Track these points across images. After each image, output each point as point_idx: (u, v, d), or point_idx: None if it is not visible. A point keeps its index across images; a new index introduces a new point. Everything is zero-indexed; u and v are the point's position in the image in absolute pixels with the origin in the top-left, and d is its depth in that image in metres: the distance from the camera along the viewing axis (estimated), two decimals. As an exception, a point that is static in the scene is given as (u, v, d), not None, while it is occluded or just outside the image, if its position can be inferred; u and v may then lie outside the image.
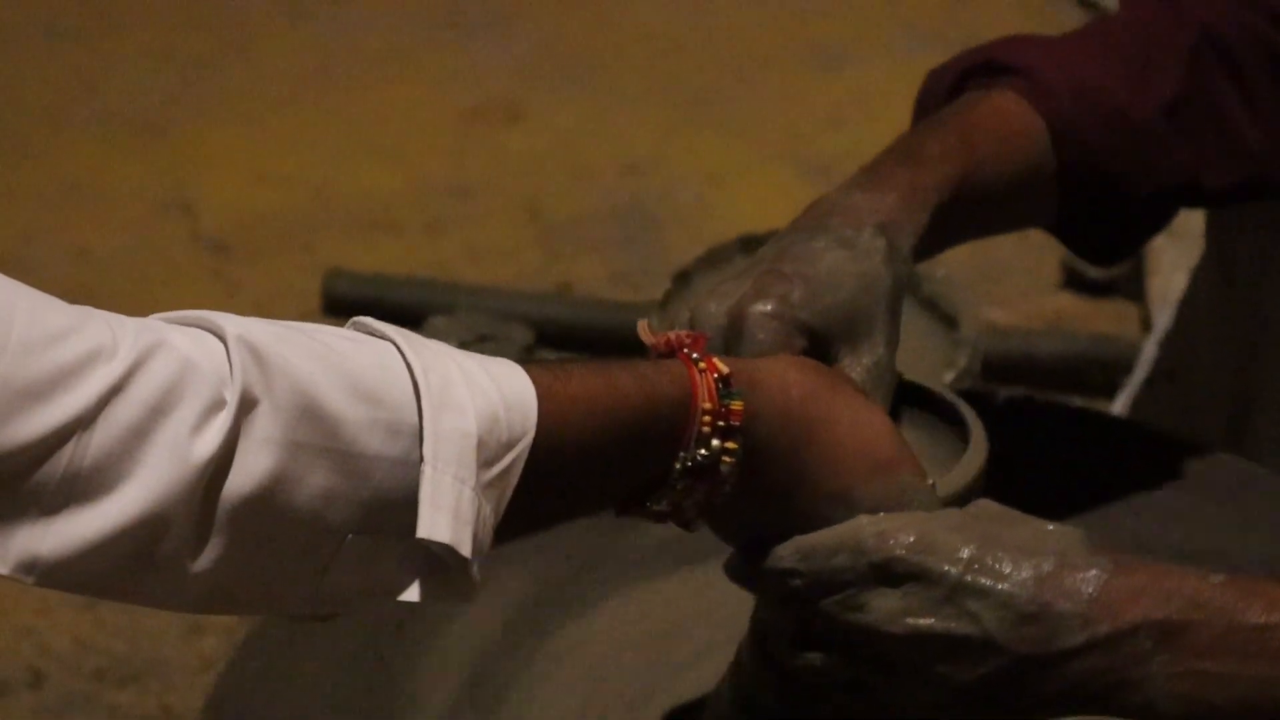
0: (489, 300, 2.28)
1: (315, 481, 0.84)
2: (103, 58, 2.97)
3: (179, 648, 1.93)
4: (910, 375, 1.09)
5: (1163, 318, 1.82)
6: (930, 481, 0.98)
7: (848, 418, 0.97)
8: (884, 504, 0.96)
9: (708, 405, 0.92)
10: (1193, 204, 1.25)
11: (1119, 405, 1.77)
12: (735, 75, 2.93)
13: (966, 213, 1.14)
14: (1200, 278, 1.67)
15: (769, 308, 1.04)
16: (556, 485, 0.91)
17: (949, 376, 1.67)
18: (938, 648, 0.93)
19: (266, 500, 0.84)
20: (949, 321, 1.80)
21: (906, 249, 1.09)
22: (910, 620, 0.93)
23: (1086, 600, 0.92)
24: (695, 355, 0.94)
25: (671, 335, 0.96)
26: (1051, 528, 0.96)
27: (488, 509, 0.87)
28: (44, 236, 2.53)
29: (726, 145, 2.74)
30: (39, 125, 2.81)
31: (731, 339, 1.04)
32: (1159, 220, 1.24)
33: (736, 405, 0.93)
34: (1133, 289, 2.35)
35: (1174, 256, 2.21)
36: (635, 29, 3.06)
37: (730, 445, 0.93)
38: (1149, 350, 1.77)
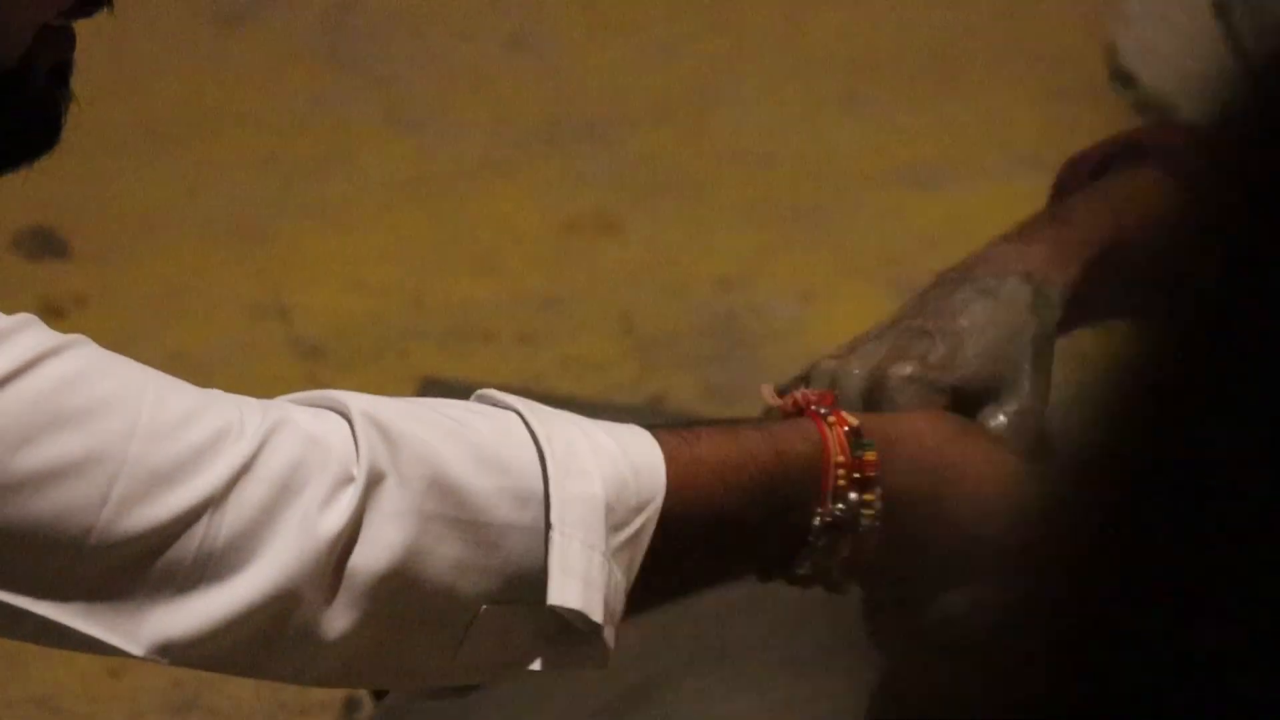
0: (582, 414, 2.28)
1: (446, 553, 0.85)
2: (203, 162, 3.01)
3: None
4: None
5: None
6: None
7: (982, 460, 0.96)
8: None
9: (840, 458, 0.92)
10: None
11: None
12: (831, 192, 2.93)
13: (1113, 281, 1.12)
14: None
15: (908, 370, 1.03)
16: (691, 548, 0.91)
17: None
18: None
19: (399, 573, 0.84)
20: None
21: (1055, 297, 1.08)
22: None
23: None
24: (823, 410, 0.94)
25: (798, 395, 0.97)
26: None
27: (619, 574, 0.87)
28: (142, 340, 2.55)
29: (821, 262, 2.74)
30: (139, 229, 2.84)
31: (872, 402, 1.03)
32: None
33: (870, 456, 0.92)
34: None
35: None
36: (731, 143, 3.07)
37: (868, 497, 0.92)
38: None
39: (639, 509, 0.87)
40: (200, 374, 2.58)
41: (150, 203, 2.90)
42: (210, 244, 2.80)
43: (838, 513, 0.91)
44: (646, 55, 3.39)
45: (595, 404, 2.35)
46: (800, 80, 3.31)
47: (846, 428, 0.93)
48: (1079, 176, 1.20)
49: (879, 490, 0.92)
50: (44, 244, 2.84)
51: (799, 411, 0.95)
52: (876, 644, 0.98)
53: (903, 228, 2.81)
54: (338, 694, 1.88)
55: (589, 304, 2.66)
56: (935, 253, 2.90)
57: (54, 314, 2.64)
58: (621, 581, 0.87)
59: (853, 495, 0.92)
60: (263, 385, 2.67)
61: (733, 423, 0.94)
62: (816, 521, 0.91)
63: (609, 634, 0.86)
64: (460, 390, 2.38)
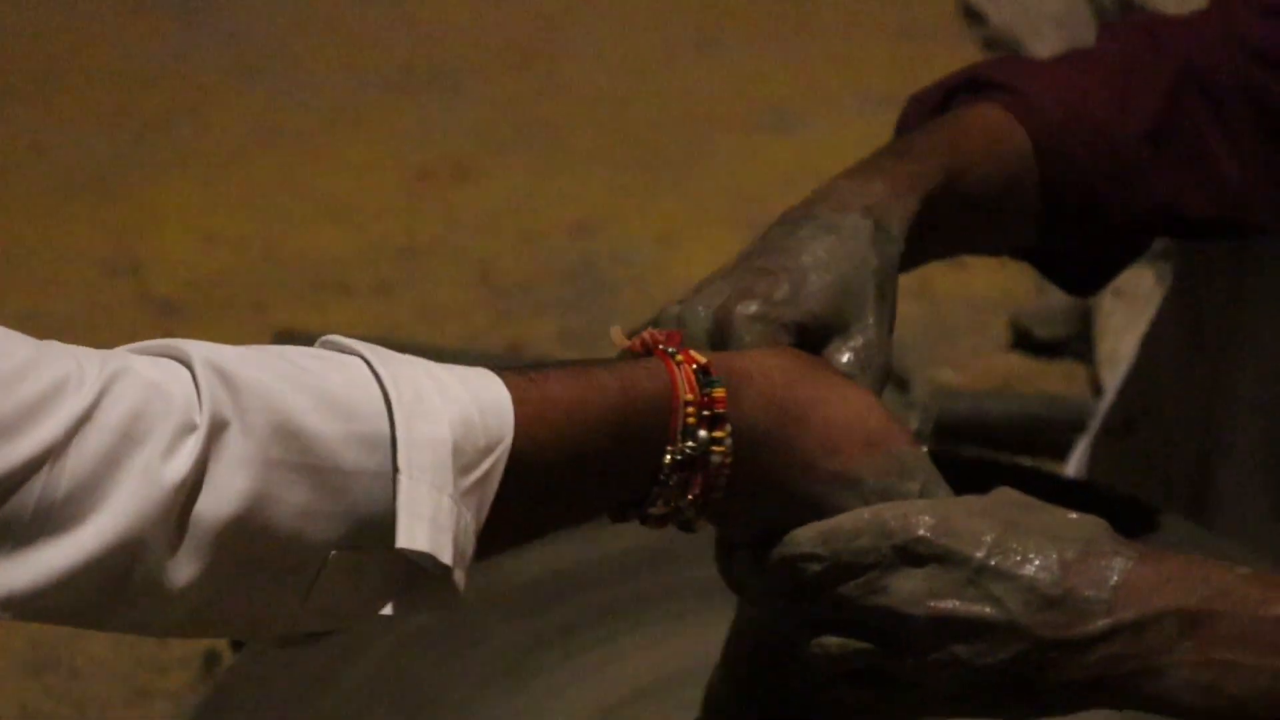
0: (439, 361, 2.27)
1: (293, 499, 0.84)
2: (50, 117, 2.97)
3: (124, 713, 1.92)
4: None
5: (1115, 371, 1.82)
6: (924, 448, 0.98)
7: (834, 396, 0.96)
8: (884, 477, 0.96)
9: (689, 396, 0.92)
10: (1169, 233, 1.26)
11: (1074, 460, 1.77)
12: (686, 136, 2.94)
13: (953, 214, 1.13)
14: (1163, 328, 1.67)
15: (753, 309, 1.03)
16: (541, 489, 0.90)
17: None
18: (960, 630, 0.93)
19: (244, 520, 0.84)
20: (900, 384, 1.81)
21: (895, 230, 1.08)
22: (933, 603, 0.93)
23: (1111, 586, 0.92)
24: (671, 350, 0.94)
25: (645, 335, 0.96)
26: (1074, 516, 0.96)
27: (468, 516, 0.86)
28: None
29: (677, 206, 2.75)
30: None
31: (718, 342, 1.03)
32: (1136, 247, 1.24)
33: (719, 392, 0.92)
34: (1081, 349, 2.36)
35: (1123, 317, 2.22)
36: (587, 89, 3.07)
37: (718, 434, 0.92)
38: (1106, 402, 1.77)
39: (487, 450, 0.87)
40: (52, 334, 2.55)
41: (-3, 160, 2.86)
42: (59, 200, 2.77)
43: (688, 450, 0.91)
44: (500, 1, 3.38)
45: (453, 352, 2.34)
46: (655, 24, 3.31)
47: (695, 366, 0.93)
48: (922, 113, 1.21)
49: (729, 426, 0.92)
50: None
51: (648, 352, 0.95)
52: (730, 583, 0.98)
53: (759, 169, 2.82)
54: (197, 648, 1.87)
55: (445, 253, 2.65)
56: (791, 193, 2.89)
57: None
58: (471, 523, 0.86)
59: (702, 433, 0.91)
60: (116, 343, 2.64)
61: (582, 363, 0.93)
62: (667, 459, 0.91)
63: (459, 576, 0.86)
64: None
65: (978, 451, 2.09)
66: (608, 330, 1.01)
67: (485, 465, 0.87)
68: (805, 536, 0.94)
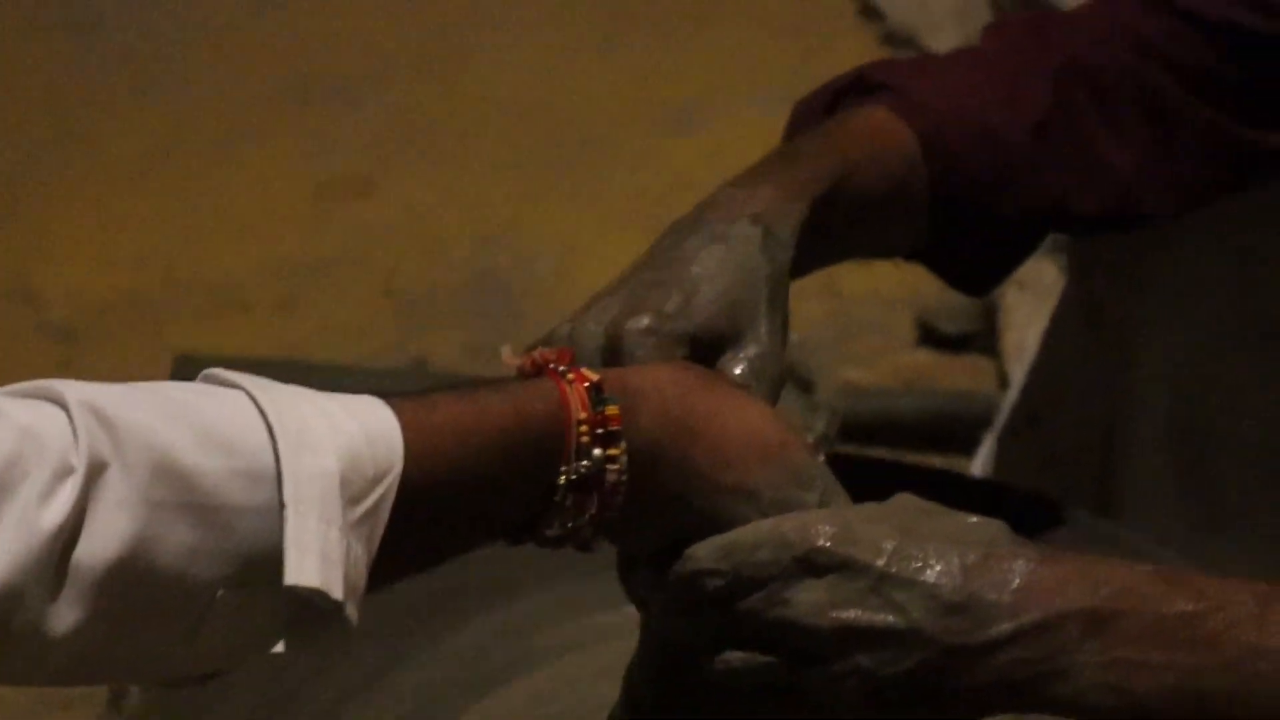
0: (342, 380, 2.26)
1: (177, 539, 0.82)
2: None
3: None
4: None
5: (1022, 365, 1.82)
6: (821, 458, 0.97)
7: (728, 409, 0.95)
8: (782, 488, 0.95)
9: (582, 415, 0.91)
10: (1060, 228, 1.25)
11: (981, 457, 1.78)
12: (586, 140, 2.93)
13: (843, 217, 1.12)
14: (1063, 320, 1.67)
15: (644, 323, 1.02)
16: (433, 516, 0.89)
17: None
18: (864, 639, 0.92)
19: (127, 563, 0.82)
20: (805, 386, 1.80)
21: (786, 236, 1.07)
22: (836, 613, 0.92)
23: (1013, 590, 0.91)
24: (562, 369, 0.92)
25: (536, 354, 0.95)
26: (975, 520, 0.95)
27: (359, 549, 0.85)
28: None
29: (580, 213, 2.74)
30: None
31: (610, 359, 1.02)
32: (1027, 244, 1.24)
33: (612, 410, 0.91)
34: (987, 344, 2.37)
35: (1027, 310, 2.22)
36: (487, 94, 3.06)
37: (613, 452, 0.91)
38: (1011, 397, 1.78)
39: (376, 480, 0.85)
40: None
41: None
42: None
43: (582, 469, 0.90)
44: (397, 6, 3.36)
45: (356, 370, 2.32)
46: (556, 26, 3.30)
47: (587, 384, 0.91)
48: (810, 116, 1.20)
49: (623, 444, 0.90)
50: None
51: (539, 372, 0.93)
52: (632, 599, 0.98)
53: (661, 171, 2.82)
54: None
55: (347, 268, 2.63)
56: (694, 195, 2.90)
57: None
58: (362, 555, 0.85)
59: (597, 451, 0.90)
60: (14, 372, 2.61)
61: (472, 386, 0.91)
62: (562, 479, 0.90)
63: (351, 610, 0.85)
64: (219, 365, 2.36)
65: (885, 452, 2.09)
66: (511, 341, 1.00)
67: (374, 496, 0.86)
68: (705, 551, 0.93)
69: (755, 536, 0.93)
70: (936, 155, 1.16)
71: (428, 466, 0.87)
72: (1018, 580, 0.92)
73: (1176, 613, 0.91)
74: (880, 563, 0.92)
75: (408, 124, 2.97)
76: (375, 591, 0.88)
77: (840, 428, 1.71)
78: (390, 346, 2.47)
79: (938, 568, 0.92)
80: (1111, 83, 1.22)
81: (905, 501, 0.97)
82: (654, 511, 0.94)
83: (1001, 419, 1.76)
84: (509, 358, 0.97)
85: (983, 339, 2.38)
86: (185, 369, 2.37)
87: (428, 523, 0.88)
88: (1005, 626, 0.91)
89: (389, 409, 0.87)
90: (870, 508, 0.96)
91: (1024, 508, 1.25)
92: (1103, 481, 1.61)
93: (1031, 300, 2.19)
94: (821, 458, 0.97)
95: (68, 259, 2.65)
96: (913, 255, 1.22)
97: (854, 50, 2.83)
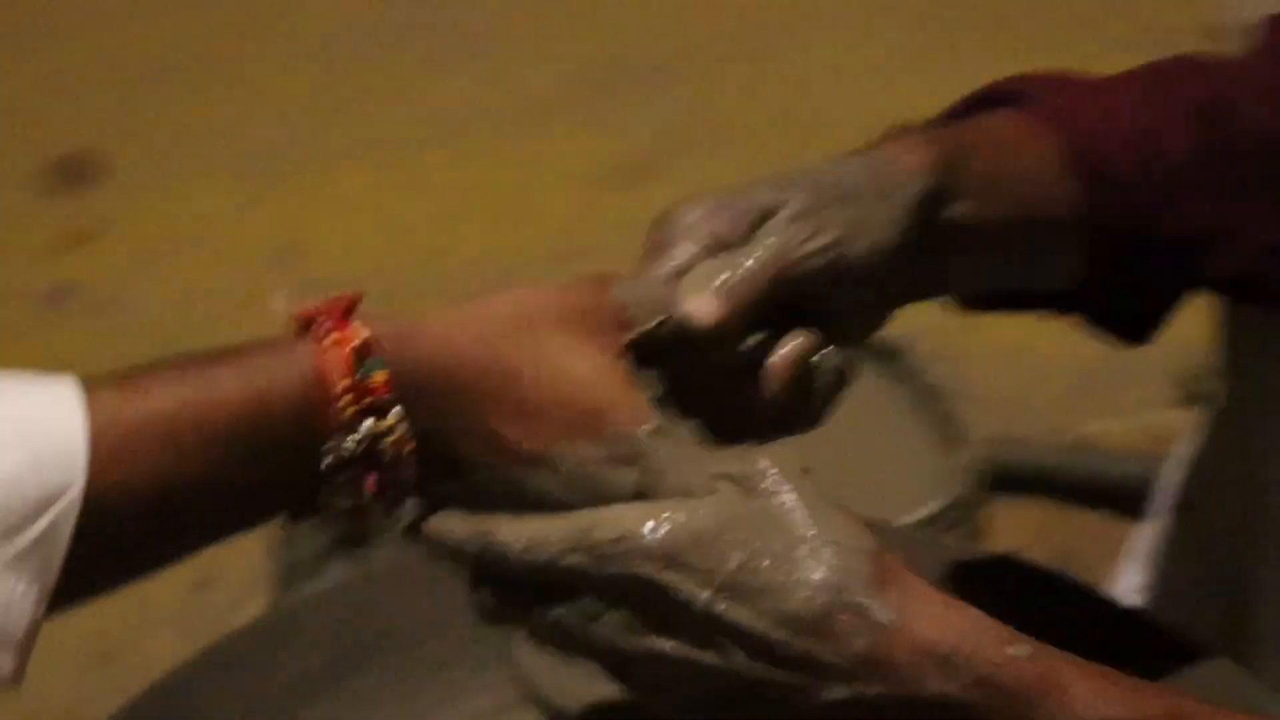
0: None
1: None
2: (228, 103, 3.00)
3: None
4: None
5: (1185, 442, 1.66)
6: (652, 425, 0.83)
7: (544, 363, 0.83)
8: (588, 464, 0.82)
9: (345, 383, 0.78)
10: (1191, 282, 1.10)
11: (1141, 538, 1.63)
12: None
13: (979, 209, 0.99)
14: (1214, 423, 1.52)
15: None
16: (145, 528, 0.77)
17: (924, 511, 1.56)
18: (681, 669, 0.82)
19: None
20: (951, 440, 1.67)
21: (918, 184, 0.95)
22: (650, 641, 0.82)
23: (854, 657, 0.80)
24: (329, 324, 0.79)
25: (308, 307, 0.81)
26: (838, 539, 0.82)
27: (21, 585, 0.75)
28: (152, 277, 2.54)
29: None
30: (161, 171, 2.84)
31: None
32: (1179, 283, 1.09)
33: (380, 376, 0.79)
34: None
35: None
36: (781, 102, 3.02)
37: (388, 423, 0.79)
38: (1168, 477, 1.62)
39: (45, 505, 0.74)
40: (206, 316, 2.57)
41: (171, 144, 2.90)
42: (231, 185, 2.79)
43: (349, 446, 0.78)
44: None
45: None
46: (876, 37, 3.24)
47: (353, 344, 0.78)
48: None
49: (399, 410, 0.78)
50: (72, 174, 2.84)
51: (307, 329, 0.79)
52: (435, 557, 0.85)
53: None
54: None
55: (610, 257, 2.58)
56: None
57: (77, 241, 2.64)
58: (30, 590, 0.74)
59: (367, 423, 0.78)
60: (270, 327, 2.66)
61: (207, 358, 0.78)
62: (329, 460, 0.78)
63: (9, 657, 0.74)
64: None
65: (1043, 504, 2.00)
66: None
67: (43, 523, 0.75)
68: (509, 536, 0.82)
69: (564, 538, 0.82)
70: (1086, 166, 1.02)
71: (124, 477, 0.76)
72: (863, 644, 0.80)
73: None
74: (706, 597, 0.80)
75: (696, 119, 2.95)
76: (86, 601, 0.78)
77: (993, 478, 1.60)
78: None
79: (772, 613, 0.80)
80: (1258, 136, 1.09)
81: (746, 506, 0.82)
82: (462, 475, 0.82)
83: (1156, 498, 1.61)
84: (278, 305, 0.82)
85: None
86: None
87: (138, 534, 0.77)
88: (840, 692, 0.80)
89: (81, 408, 0.76)
90: (706, 515, 0.82)
91: (1158, 645, 1.11)
92: (1238, 583, 1.46)
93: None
94: (653, 425, 0.83)
95: (339, 221, 2.70)
96: (1062, 303, 1.08)
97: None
